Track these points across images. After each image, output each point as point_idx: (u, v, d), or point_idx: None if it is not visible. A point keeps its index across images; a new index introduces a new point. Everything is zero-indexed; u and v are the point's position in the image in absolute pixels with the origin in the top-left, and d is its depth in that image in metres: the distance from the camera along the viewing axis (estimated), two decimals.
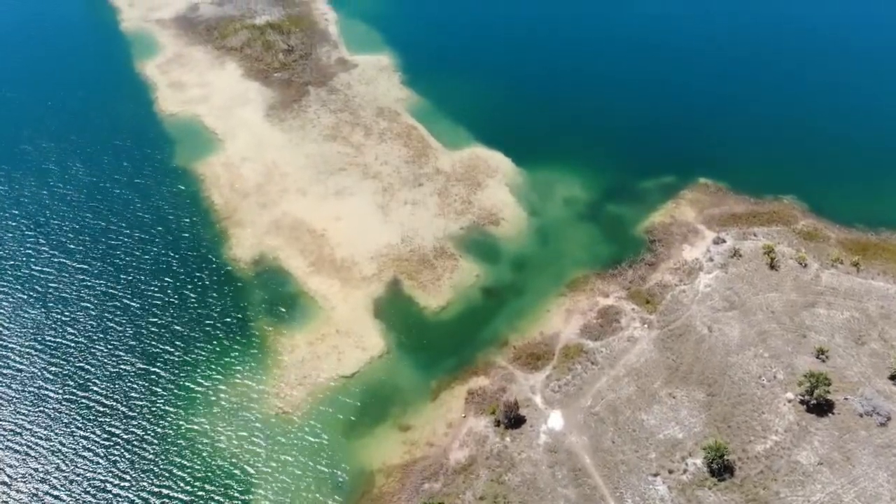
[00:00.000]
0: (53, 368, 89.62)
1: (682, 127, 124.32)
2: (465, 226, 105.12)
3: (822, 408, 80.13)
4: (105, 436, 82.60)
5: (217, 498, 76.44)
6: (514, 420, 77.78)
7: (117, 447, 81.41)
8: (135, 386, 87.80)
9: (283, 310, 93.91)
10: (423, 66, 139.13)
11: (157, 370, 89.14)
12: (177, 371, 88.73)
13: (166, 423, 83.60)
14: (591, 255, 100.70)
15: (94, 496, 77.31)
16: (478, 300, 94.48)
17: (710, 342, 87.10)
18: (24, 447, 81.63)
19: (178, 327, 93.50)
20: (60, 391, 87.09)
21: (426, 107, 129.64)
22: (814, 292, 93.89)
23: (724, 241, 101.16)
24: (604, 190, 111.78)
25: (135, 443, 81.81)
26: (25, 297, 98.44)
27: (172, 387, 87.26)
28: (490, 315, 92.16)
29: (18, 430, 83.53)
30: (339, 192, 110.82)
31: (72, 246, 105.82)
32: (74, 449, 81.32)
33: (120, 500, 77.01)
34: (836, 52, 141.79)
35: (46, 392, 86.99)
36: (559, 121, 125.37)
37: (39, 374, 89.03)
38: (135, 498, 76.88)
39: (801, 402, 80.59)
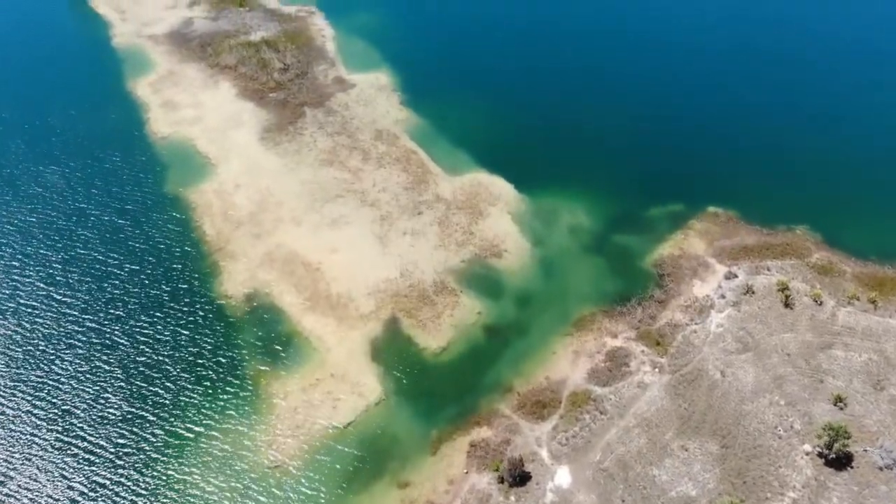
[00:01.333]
0: (39, 411, 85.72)
1: (690, 151, 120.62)
2: (467, 258, 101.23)
3: (840, 460, 76.45)
4: (91, 486, 78.67)
5: None
6: (518, 477, 73.95)
7: (104, 499, 77.54)
8: (124, 431, 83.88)
9: (277, 351, 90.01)
10: (423, 86, 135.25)
11: (147, 414, 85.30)
12: (167, 415, 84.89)
13: (156, 473, 79.70)
14: (597, 291, 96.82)
15: None
16: (480, 340, 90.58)
17: (724, 388, 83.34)
18: (7, 498, 77.75)
19: (168, 367, 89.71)
20: (47, 436, 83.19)
21: (426, 129, 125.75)
22: (830, 332, 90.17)
23: (735, 277, 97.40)
24: (610, 218, 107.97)
25: (123, 494, 77.85)
26: (10, 332, 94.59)
27: (162, 432, 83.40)
28: (493, 357, 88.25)
29: (1, 479, 79.72)
30: (335, 222, 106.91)
31: (60, 277, 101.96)
32: (59, 500, 77.45)
33: None
34: (852, 71, 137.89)
35: (32, 436, 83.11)
36: (562, 144, 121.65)
37: (24, 416, 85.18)
38: None
39: (819, 454, 76.91)
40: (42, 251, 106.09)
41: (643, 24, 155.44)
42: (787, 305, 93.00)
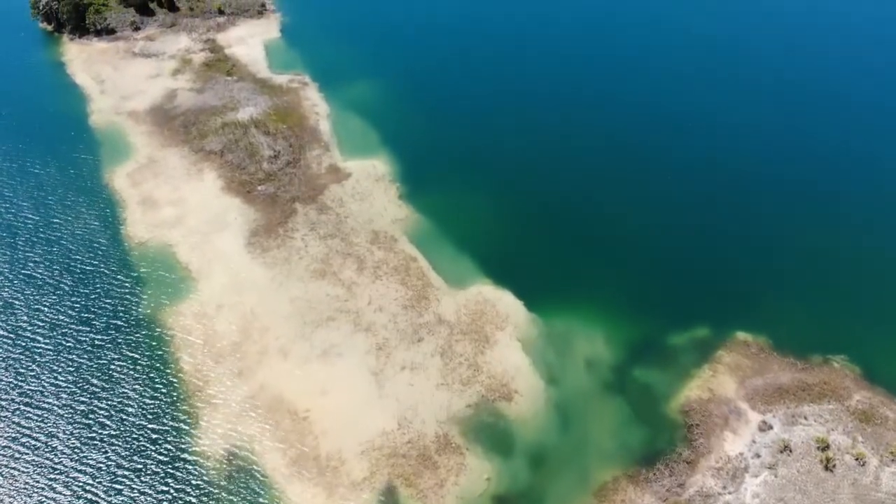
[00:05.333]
0: None
1: (715, 263, 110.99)
2: (473, 402, 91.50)
3: None
4: None
5: None
6: None
7: None
8: None
9: None
10: (424, 175, 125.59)
11: None
12: None
13: None
14: (620, 445, 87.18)
15: None
16: None
17: None
18: None
19: None
20: None
21: (426, 229, 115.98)
22: (874, 501, 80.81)
23: (770, 428, 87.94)
24: (630, 346, 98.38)
25: None
26: None
27: None
28: None
29: None
30: (325, 353, 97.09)
31: (34, 414, 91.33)
32: None
33: None
34: None
35: None
36: (574, 253, 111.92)
37: None
38: None
39: None
40: (17, 382, 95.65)
41: (662, 110, 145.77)
42: (826, 468, 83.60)
